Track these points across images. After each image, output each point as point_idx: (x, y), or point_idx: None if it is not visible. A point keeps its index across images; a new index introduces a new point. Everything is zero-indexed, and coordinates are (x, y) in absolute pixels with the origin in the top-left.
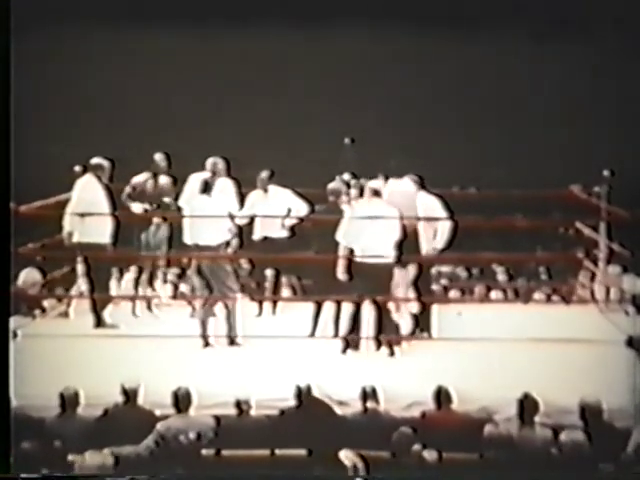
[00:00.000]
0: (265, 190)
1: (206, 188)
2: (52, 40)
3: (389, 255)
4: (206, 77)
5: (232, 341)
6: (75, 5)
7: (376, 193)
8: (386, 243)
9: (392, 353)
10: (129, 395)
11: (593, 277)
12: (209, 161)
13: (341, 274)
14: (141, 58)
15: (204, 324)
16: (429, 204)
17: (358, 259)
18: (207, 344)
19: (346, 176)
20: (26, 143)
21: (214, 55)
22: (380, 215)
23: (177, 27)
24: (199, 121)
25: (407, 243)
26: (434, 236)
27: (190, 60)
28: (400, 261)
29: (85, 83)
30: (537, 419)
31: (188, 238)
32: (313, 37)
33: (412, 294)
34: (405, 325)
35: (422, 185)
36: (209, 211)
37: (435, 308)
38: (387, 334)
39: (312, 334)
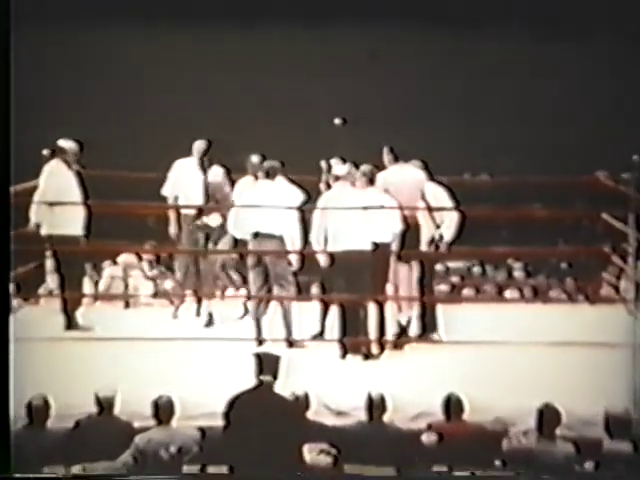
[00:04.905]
0: (256, 177)
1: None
2: (52, 39)
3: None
4: (190, 57)
5: (290, 344)
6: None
7: (371, 180)
8: (382, 235)
9: (368, 357)
10: (104, 405)
11: (621, 274)
12: (196, 145)
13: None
14: (124, 43)
15: (258, 323)
16: (436, 194)
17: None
18: (261, 344)
19: (334, 160)
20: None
21: (200, 38)
22: (376, 205)
23: (162, 14)
24: (184, 102)
25: (409, 237)
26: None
27: (174, 43)
28: (400, 255)
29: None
30: (558, 431)
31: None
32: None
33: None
34: (410, 326)
35: (429, 172)
36: (271, 199)
37: (445, 308)
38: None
39: (320, 335)
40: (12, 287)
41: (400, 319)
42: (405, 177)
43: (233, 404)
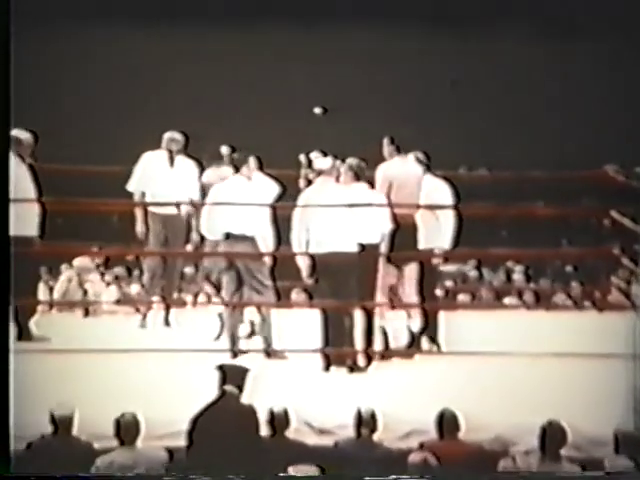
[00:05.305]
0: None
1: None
2: (52, 39)
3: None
4: (161, 47)
5: (268, 354)
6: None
7: (357, 175)
8: (370, 236)
9: (354, 369)
10: (60, 424)
11: (632, 278)
12: (165, 136)
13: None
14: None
15: (234, 332)
16: (436, 191)
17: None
18: (236, 355)
19: (314, 154)
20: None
21: (172, 30)
22: (363, 202)
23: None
24: (153, 91)
25: (405, 237)
26: (439, 231)
27: (145, 35)
28: (390, 257)
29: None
30: (563, 452)
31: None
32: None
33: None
34: (397, 335)
35: (427, 166)
36: (244, 195)
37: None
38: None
39: (325, 346)
40: None
41: (386, 327)
42: (408, 171)
43: (196, 422)
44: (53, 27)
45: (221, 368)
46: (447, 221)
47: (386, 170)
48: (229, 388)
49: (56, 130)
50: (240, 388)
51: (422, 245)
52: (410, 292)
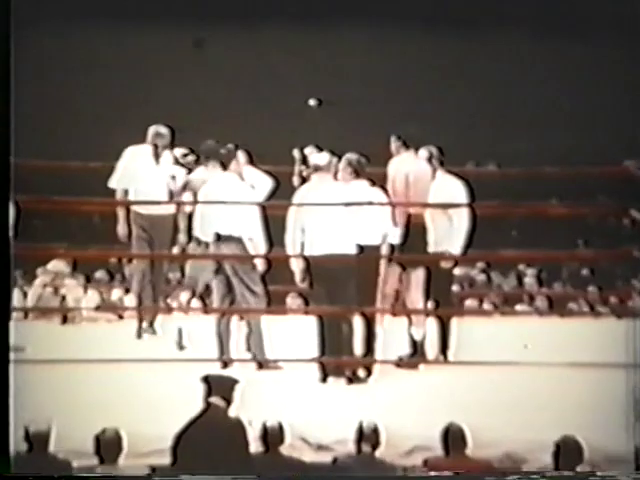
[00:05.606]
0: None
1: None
2: (52, 40)
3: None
4: (146, 37)
5: (260, 365)
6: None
7: (356, 172)
8: (369, 237)
9: (353, 380)
10: (36, 441)
11: None
12: (150, 130)
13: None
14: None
15: (222, 341)
16: (448, 188)
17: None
18: (226, 365)
19: (308, 149)
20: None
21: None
22: (363, 200)
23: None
24: (137, 82)
25: (415, 239)
26: (451, 233)
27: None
28: (392, 260)
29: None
30: (579, 470)
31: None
32: None
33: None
34: (397, 343)
35: (441, 162)
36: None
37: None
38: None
39: (321, 355)
40: None
41: (386, 334)
42: (420, 167)
43: (181, 438)
44: (53, 27)
45: (206, 379)
46: (461, 222)
47: (399, 165)
48: (215, 400)
49: (33, 124)
50: (227, 400)
51: (432, 248)
52: (416, 298)
